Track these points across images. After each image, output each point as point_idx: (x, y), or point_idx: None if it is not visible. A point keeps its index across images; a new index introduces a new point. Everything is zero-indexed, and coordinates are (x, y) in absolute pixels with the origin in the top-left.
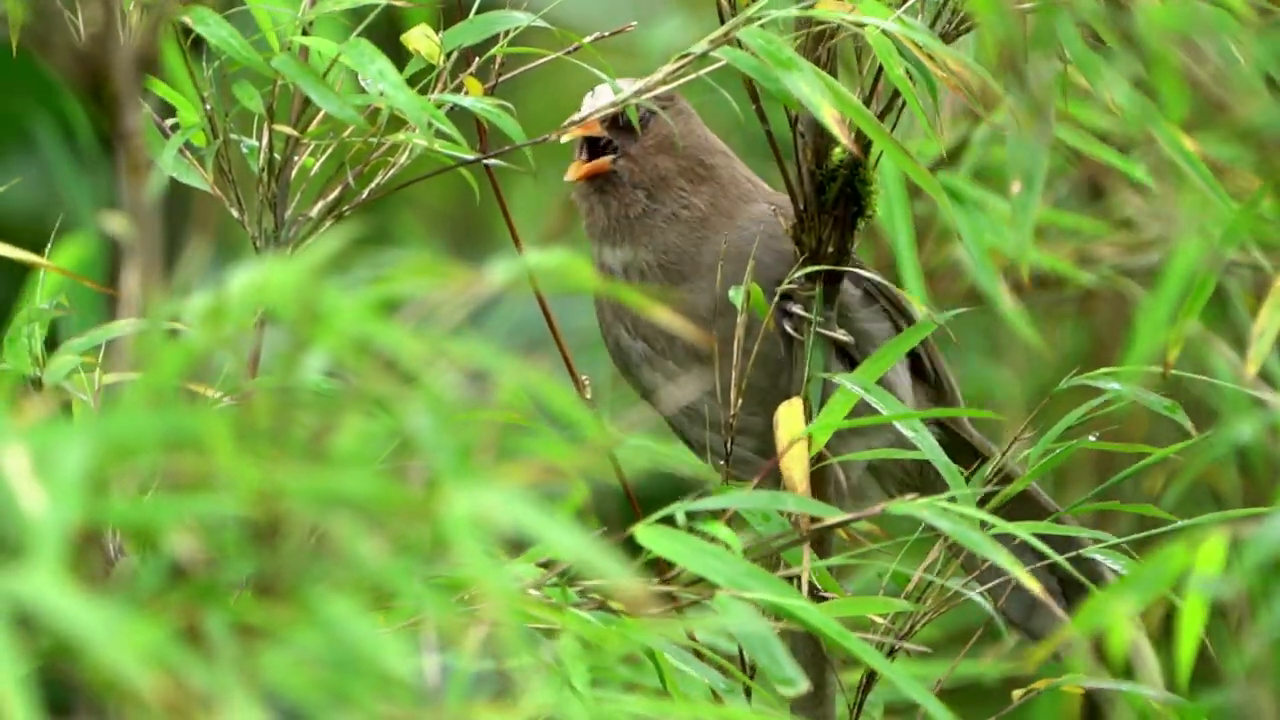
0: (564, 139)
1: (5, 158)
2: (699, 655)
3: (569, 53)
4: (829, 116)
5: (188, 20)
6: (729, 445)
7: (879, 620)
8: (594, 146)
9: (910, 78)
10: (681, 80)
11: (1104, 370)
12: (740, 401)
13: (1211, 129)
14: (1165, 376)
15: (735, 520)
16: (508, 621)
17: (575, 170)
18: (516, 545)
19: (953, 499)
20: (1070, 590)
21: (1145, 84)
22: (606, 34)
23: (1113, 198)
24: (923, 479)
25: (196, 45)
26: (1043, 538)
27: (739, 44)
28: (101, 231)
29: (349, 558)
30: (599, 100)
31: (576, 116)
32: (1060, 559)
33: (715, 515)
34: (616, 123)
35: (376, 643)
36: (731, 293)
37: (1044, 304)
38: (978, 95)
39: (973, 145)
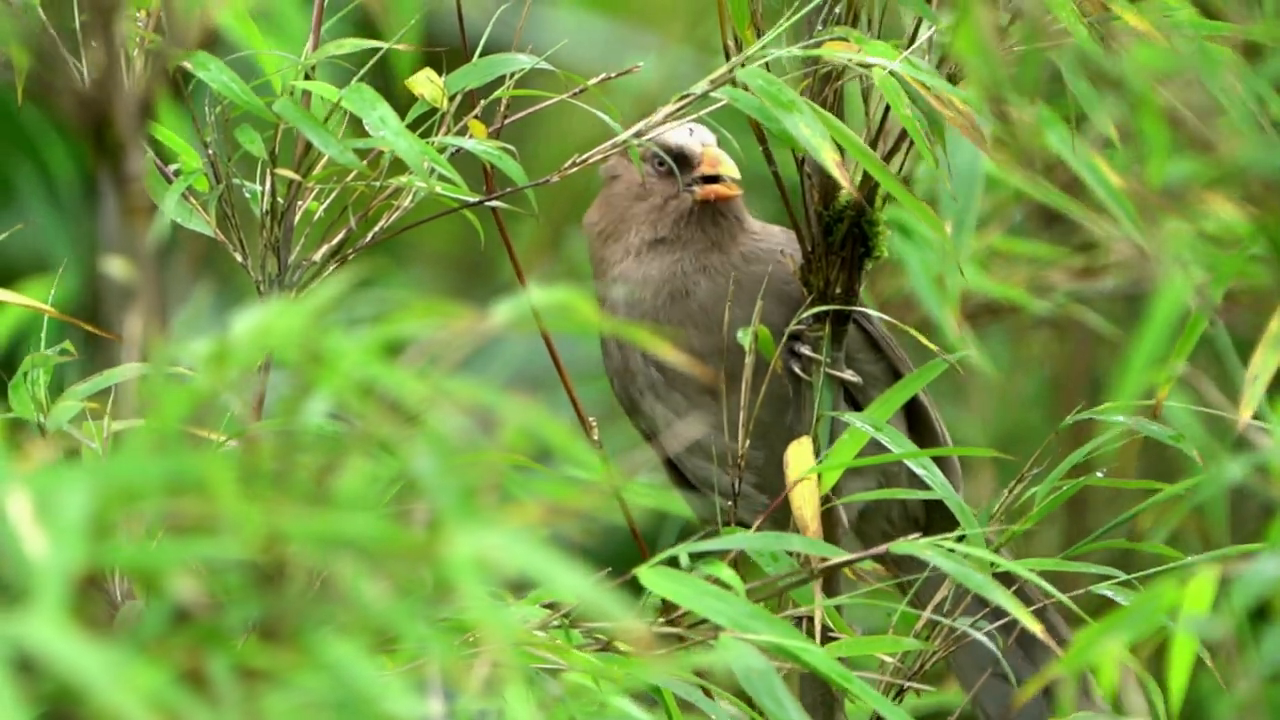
0: (723, 190)
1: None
2: (708, 694)
3: (574, 95)
4: (829, 158)
5: (189, 65)
6: (737, 484)
7: (888, 660)
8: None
9: (922, 118)
10: (683, 121)
11: (1107, 405)
12: (746, 440)
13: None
14: (1155, 415)
15: (741, 558)
16: (510, 662)
17: (707, 192)
18: (520, 586)
19: (960, 538)
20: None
21: (1131, 125)
22: (612, 75)
23: (1071, 222)
24: (908, 526)
25: (197, 90)
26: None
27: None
28: (82, 277)
29: (352, 600)
30: (702, 136)
31: (709, 157)
32: (1065, 597)
33: (719, 556)
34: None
35: (379, 686)
36: (740, 334)
37: (999, 333)
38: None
39: (918, 177)
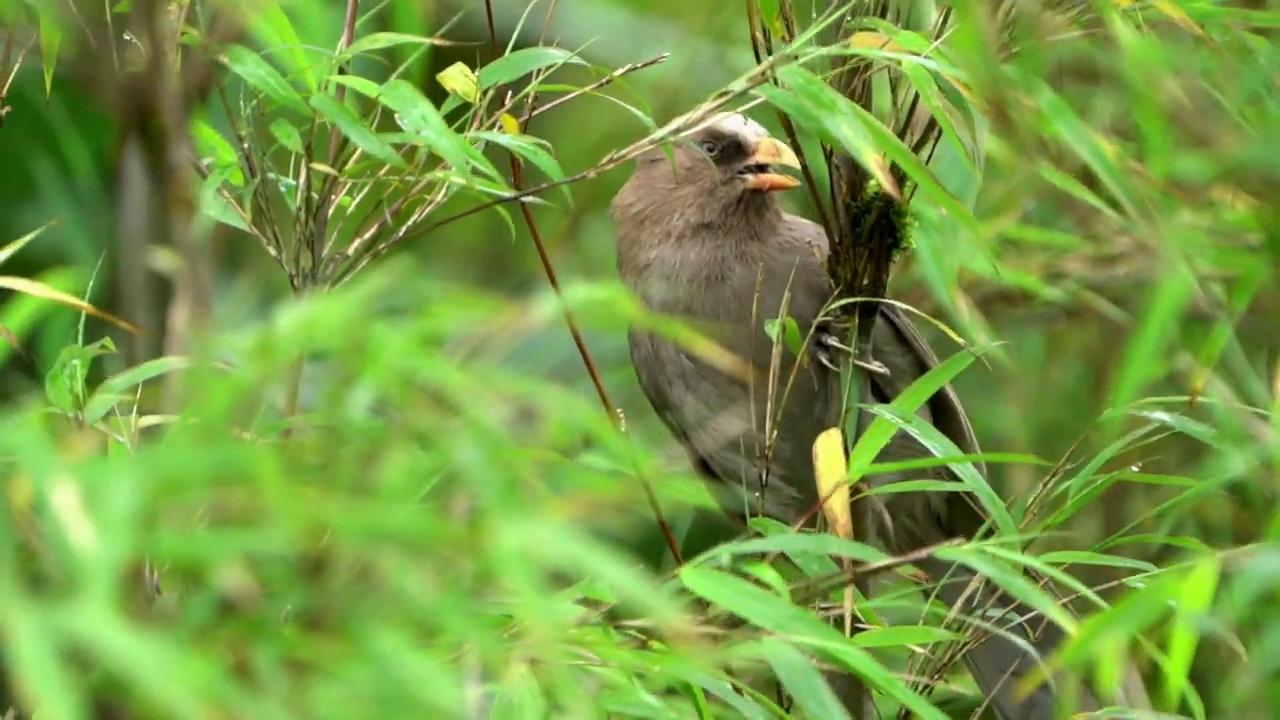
0: (778, 179)
1: (14, 200)
2: (738, 690)
3: (599, 86)
4: (872, 160)
5: (224, 59)
6: (765, 476)
7: (919, 651)
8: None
9: (952, 108)
10: (717, 118)
11: (1151, 399)
12: (774, 431)
13: (1192, 154)
14: (1192, 406)
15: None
16: (556, 656)
17: (761, 180)
18: (558, 581)
19: (988, 533)
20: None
21: (1129, 121)
22: (638, 66)
23: (1081, 213)
24: (930, 521)
25: (229, 84)
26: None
27: (776, 81)
28: (102, 271)
29: (397, 592)
30: (756, 126)
31: (766, 147)
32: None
33: (759, 556)
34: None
35: (425, 677)
36: (768, 325)
37: (1013, 321)
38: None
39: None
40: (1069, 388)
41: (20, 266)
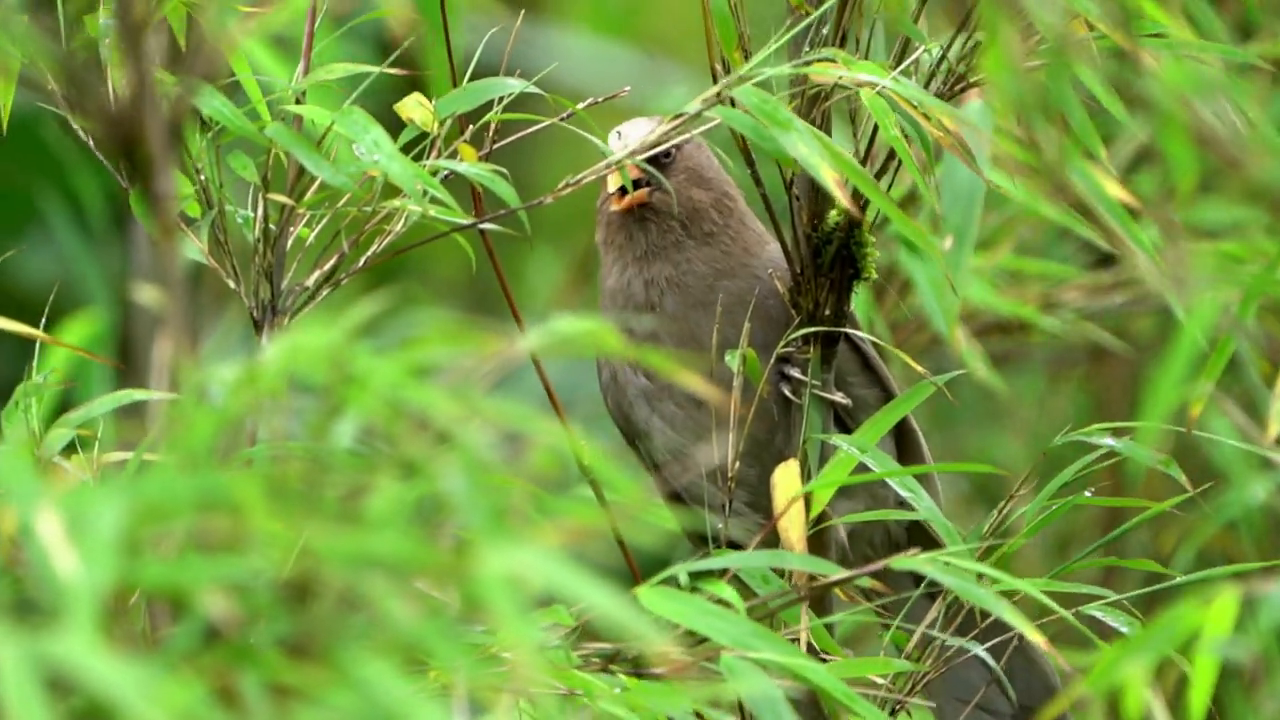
0: (610, 186)
1: (20, 233)
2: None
3: (563, 119)
4: (828, 177)
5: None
6: (728, 504)
7: (880, 680)
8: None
9: (906, 137)
10: (674, 141)
11: (1099, 426)
12: (736, 461)
13: (1222, 190)
14: (1189, 432)
15: (732, 578)
16: (541, 685)
17: (615, 203)
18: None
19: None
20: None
21: (1154, 147)
22: (600, 99)
23: (1116, 255)
24: (890, 551)
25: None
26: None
27: (733, 103)
28: (112, 307)
29: (382, 618)
30: (626, 139)
31: (611, 159)
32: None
33: (717, 575)
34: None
35: (410, 704)
36: (728, 357)
37: (1010, 352)
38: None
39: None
40: (1070, 416)
41: (30, 302)
